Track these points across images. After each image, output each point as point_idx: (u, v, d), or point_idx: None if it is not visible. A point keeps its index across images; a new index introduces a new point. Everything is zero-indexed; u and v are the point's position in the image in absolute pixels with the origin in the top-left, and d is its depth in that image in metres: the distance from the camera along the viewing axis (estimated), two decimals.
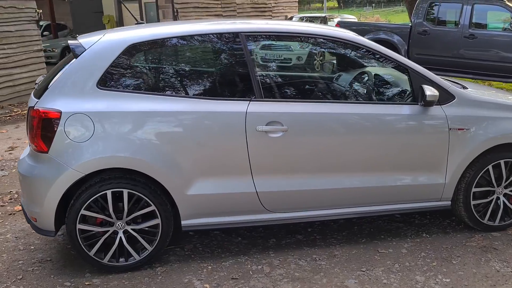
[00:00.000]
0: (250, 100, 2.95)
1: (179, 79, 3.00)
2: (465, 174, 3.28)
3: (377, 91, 3.31)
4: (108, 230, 2.91)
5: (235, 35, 3.01)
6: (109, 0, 14.58)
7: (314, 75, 3.32)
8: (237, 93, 3.01)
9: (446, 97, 3.19)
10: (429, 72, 3.23)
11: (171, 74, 2.99)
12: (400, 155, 3.15)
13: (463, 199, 3.33)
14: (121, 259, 2.97)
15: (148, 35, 2.95)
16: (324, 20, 12.45)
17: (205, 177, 2.94)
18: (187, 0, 12.14)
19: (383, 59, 3.18)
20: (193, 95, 2.96)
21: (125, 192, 2.85)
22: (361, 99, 3.26)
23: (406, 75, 3.18)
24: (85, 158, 2.77)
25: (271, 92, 3.07)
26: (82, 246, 2.89)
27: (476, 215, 3.37)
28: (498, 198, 3.39)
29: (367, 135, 3.07)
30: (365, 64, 3.47)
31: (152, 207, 2.90)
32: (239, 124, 2.89)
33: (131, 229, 2.94)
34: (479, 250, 3.18)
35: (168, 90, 2.94)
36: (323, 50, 3.34)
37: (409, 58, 9.28)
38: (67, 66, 2.89)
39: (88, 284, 2.88)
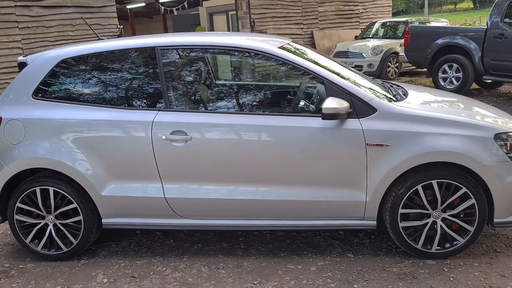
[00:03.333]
0: (159, 110, 3.14)
1: (100, 90, 3.29)
2: (390, 193, 3.04)
3: (292, 102, 3.22)
4: (40, 222, 3.33)
5: (151, 49, 3.22)
6: (204, 13, 15.59)
7: (225, 86, 3.34)
8: (149, 103, 3.21)
9: (366, 110, 3.00)
10: (348, 82, 3.06)
11: (93, 86, 3.30)
12: (313, 169, 3.04)
13: (390, 220, 3.08)
14: (52, 249, 3.36)
15: (77, 51, 3.31)
16: (406, 25, 11.77)
17: (118, 180, 3.19)
18: (264, 10, 12.45)
19: (296, 69, 3.10)
20: (110, 105, 3.23)
21: (51, 190, 3.24)
22: (270, 111, 3.20)
23: (323, 85, 3.06)
24: (16, 158, 3.22)
25: (180, 102, 3.19)
26: (20, 234, 3.35)
27: (407, 239, 3.09)
28: (435, 223, 3.06)
29: (273, 147, 3.03)
30: (281, 75, 3.38)
31: (75, 205, 3.25)
32: (146, 133, 3.10)
33: (59, 223, 3.32)
34: (395, 276, 2.92)
35: (89, 100, 3.25)
36: (237, 61, 3.34)
37: (483, 65, 8.45)
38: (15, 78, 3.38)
39: (21, 267, 3.32)
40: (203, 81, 3.26)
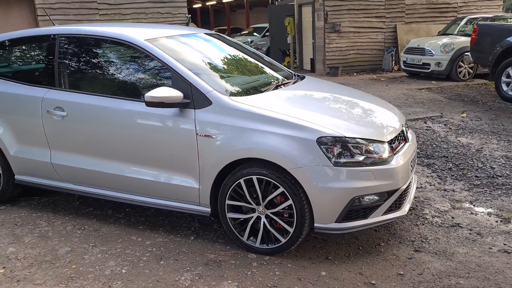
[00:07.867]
0: (50, 88, 3.69)
1: (13, 68, 3.98)
2: (218, 183, 3.16)
3: (146, 89, 3.44)
4: None
5: (53, 36, 3.76)
6: (295, 4, 15.74)
7: (99, 71, 3.69)
8: (44, 82, 3.76)
9: (203, 101, 3.15)
10: (191, 74, 3.20)
11: (9, 65, 4.01)
12: (154, 152, 3.29)
13: (220, 210, 3.20)
14: None
15: (3, 36, 4.01)
16: (493, 21, 10.49)
17: (21, 144, 3.84)
18: (340, 2, 12.18)
19: (154, 60, 3.35)
20: (20, 81, 3.85)
21: None
22: (125, 95, 3.45)
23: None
24: None
25: (67, 83, 3.67)
26: None
27: (234, 230, 3.19)
28: (260, 218, 3.10)
29: (122, 129, 3.37)
30: (146, 63, 3.57)
31: None
32: (38, 106, 3.68)
33: None
34: (203, 261, 3.05)
35: (4, 76, 3.95)
36: (111, 49, 3.66)
37: None
38: None
39: None
40: (85, 66, 3.70)
